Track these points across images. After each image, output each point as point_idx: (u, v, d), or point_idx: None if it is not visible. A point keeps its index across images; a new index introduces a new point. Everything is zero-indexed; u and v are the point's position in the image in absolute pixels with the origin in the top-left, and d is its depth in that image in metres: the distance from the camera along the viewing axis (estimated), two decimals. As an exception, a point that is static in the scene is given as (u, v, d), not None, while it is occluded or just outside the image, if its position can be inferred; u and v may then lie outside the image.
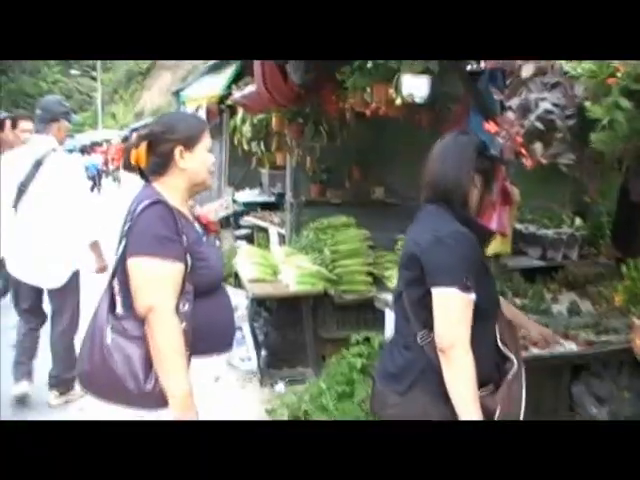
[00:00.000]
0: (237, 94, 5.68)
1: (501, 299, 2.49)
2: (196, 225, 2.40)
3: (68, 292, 4.54)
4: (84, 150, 28.73)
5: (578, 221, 7.02)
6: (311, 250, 5.71)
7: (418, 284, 2.14)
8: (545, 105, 1.88)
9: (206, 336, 2.24)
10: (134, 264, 2.13)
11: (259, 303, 5.37)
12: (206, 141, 2.35)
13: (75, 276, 4.58)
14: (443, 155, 2.22)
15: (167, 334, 2.07)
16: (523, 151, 1.89)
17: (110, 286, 2.22)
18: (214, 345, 2.32)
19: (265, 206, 8.65)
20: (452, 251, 2.06)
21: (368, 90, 3.79)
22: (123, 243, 2.19)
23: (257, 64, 4.58)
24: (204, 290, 2.26)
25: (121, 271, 2.19)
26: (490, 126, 2.00)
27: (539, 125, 1.88)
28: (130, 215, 2.19)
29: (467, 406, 1.97)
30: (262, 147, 7.25)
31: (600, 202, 7.24)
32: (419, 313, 2.15)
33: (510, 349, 2.22)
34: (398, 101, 3.42)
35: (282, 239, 7.22)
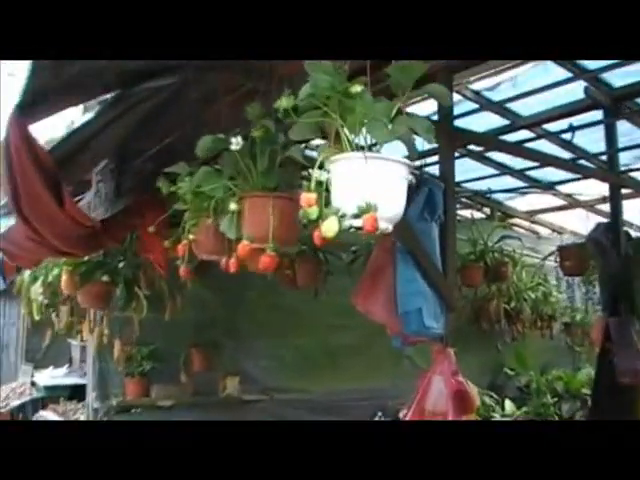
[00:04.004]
0: (-4, 233, 3.51)
1: None
2: None
3: None
4: None
5: (509, 406, 5.50)
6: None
7: None
8: None
9: None
10: None
11: None
12: None
13: None
14: None
15: None
16: None
17: None
18: None
19: (76, 391, 6.65)
20: None
21: (233, 214, 1.72)
22: None
23: (4, 177, 2.41)
24: None
25: None
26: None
27: None
28: None
29: None
30: (59, 316, 5.19)
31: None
32: None
33: None
34: (329, 232, 1.43)
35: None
